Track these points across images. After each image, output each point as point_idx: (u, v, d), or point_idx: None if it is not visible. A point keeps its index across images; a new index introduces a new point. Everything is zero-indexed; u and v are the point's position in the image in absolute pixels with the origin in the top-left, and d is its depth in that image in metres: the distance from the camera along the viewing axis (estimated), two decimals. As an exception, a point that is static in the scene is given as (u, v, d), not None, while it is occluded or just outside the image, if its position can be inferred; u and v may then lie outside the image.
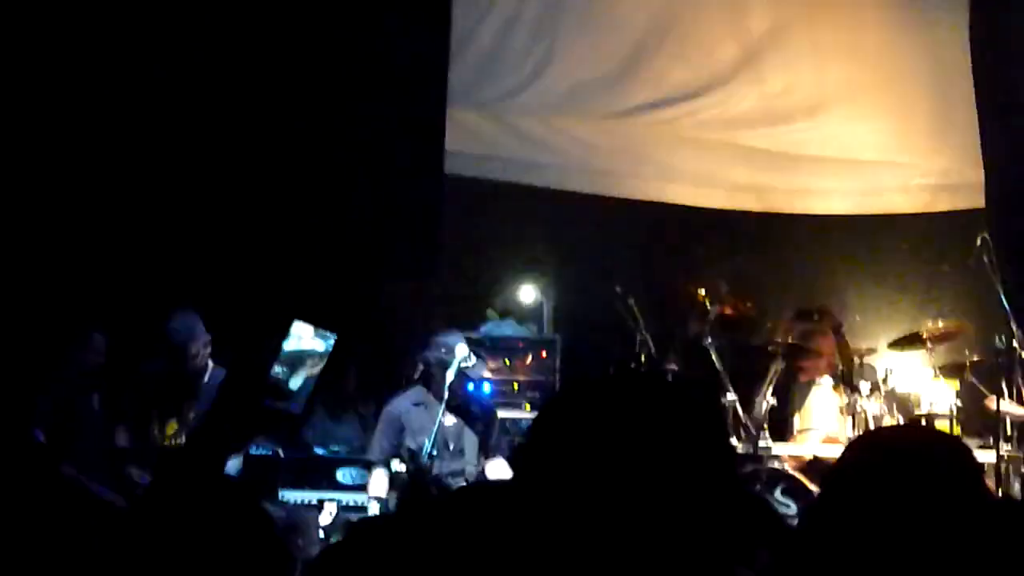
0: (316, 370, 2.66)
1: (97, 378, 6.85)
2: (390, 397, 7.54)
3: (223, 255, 8.37)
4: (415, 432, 7.20)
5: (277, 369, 2.61)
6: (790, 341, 8.68)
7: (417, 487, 6.95)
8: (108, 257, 8.19)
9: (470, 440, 7.37)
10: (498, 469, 7.14)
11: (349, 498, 7.20)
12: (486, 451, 7.38)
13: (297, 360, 2.66)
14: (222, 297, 7.75)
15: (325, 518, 7.07)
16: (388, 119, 8.92)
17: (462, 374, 7.26)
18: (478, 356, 7.57)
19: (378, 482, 7.08)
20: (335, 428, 8.65)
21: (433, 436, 7.01)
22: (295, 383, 2.65)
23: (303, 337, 2.67)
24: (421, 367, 7.47)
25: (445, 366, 7.20)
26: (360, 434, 8.53)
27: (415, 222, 9.10)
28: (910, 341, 8.65)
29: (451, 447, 7.26)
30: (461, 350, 7.29)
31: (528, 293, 9.43)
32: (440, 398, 7.16)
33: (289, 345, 2.63)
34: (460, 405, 7.27)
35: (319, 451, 8.02)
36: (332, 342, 2.67)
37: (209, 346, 6.91)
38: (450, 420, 7.24)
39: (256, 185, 8.57)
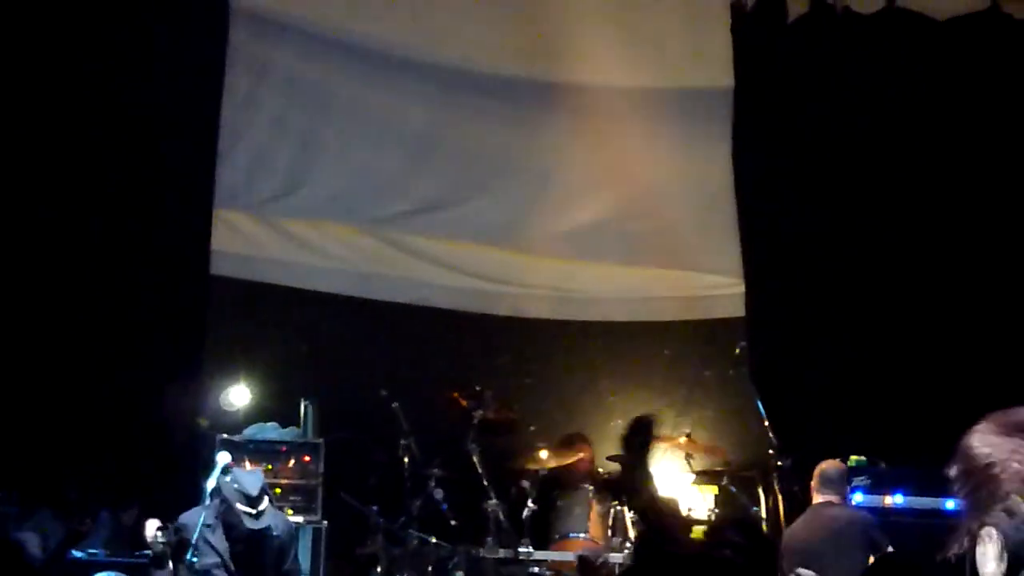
0: None
1: None
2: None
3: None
4: (201, 553, 6.95)
5: None
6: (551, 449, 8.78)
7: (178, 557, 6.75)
8: None
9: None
10: None
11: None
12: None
13: None
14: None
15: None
16: (155, 219, 8.87)
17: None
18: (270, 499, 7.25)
19: None
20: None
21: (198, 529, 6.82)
22: None
23: None
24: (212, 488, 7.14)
25: (230, 503, 6.92)
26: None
27: (181, 323, 8.98)
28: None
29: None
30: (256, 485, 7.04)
31: (239, 396, 8.98)
32: (230, 527, 6.92)
33: None
34: (249, 537, 6.97)
35: (77, 554, 7.71)
36: None
37: None
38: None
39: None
